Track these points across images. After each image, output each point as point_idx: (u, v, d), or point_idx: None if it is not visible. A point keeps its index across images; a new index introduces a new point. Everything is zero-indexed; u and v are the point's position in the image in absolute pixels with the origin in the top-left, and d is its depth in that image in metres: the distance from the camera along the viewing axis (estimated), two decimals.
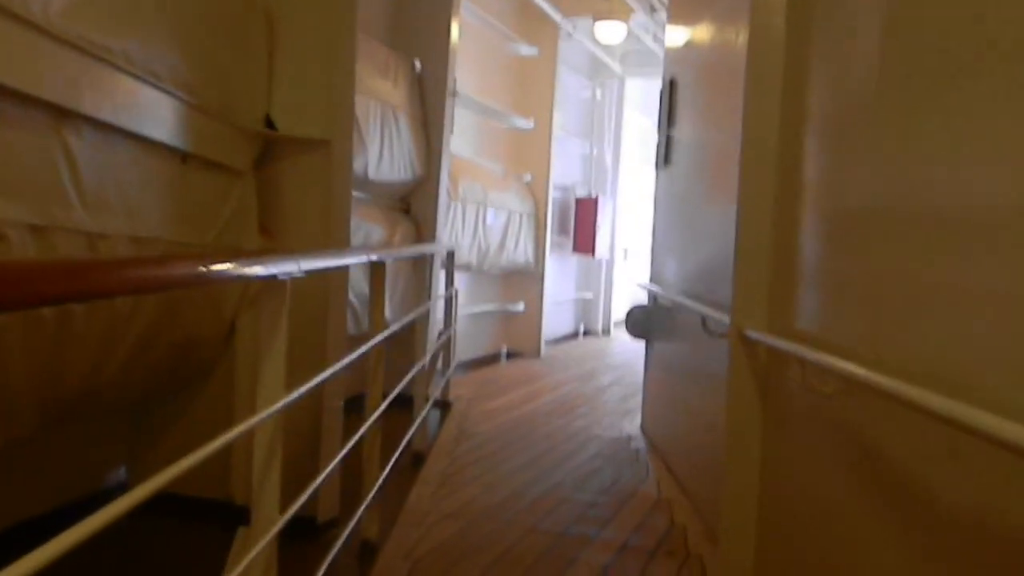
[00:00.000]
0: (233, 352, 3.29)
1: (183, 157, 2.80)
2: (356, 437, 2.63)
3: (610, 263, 10.44)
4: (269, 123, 3.27)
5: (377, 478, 2.99)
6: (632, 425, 5.29)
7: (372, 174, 4.91)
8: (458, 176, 6.58)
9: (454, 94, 5.90)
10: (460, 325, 6.70)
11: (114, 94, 2.34)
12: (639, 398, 6.15)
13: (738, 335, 2.77)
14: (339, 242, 3.36)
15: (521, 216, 7.79)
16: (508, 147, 8.13)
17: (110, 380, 2.55)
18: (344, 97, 3.39)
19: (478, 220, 6.91)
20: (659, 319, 4.79)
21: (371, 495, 2.90)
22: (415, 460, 4.18)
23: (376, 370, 3.08)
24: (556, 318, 9.26)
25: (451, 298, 5.47)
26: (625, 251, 10.56)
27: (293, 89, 3.30)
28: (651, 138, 12.66)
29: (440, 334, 5.65)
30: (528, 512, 3.45)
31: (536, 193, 8.21)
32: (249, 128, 3.15)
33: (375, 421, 2.95)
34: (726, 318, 3.01)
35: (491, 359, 7.80)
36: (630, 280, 11.85)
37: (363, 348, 2.77)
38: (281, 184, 3.33)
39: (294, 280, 1.95)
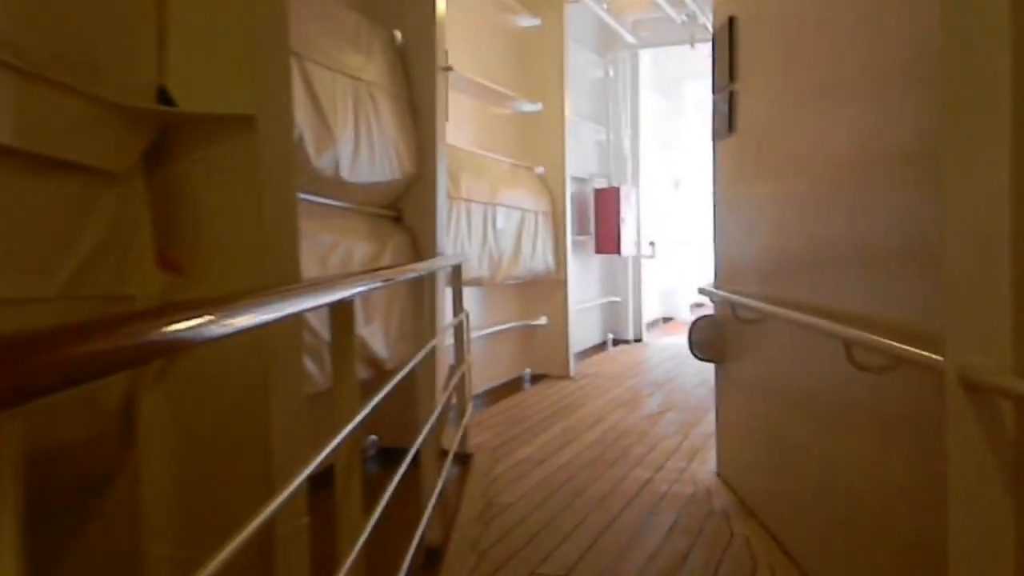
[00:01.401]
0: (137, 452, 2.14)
1: None
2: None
3: (637, 260, 9.25)
4: (164, 97, 2.12)
5: None
6: (704, 469, 4.11)
7: (347, 173, 3.75)
8: (458, 172, 5.41)
9: (446, 69, 4.73)
10: (473, 348, 5.55)
11: None
12: (703, 428, 4.97)
13: (959, 378, 1.63)
14: (284, 267, 2.20)
15: (536, 215, 6.62)
16: (514, 136, 6.96)
17: None
18: (274, 56, 2.23)
19: (486, 224, 5.74)
20: (739, 336, 3.62)
21: None
22: (428, 559, 3.01)
23: (351, 470, 1.92)
24: (581, 327, 8.09)
25: (461, 324, 4.31)
26: (652, 245, 9.37)
27: (198, 47, 2.15)
28: (666, 119, 11.47)
29: (451, 369, 4.50)
30: None
31: (551, 187, 7.03)
32: (130, 106, 2.00)
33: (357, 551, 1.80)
34: (886, 343, 1.89)
35: (513, 386, 6.63)
36: (659, 278, 10.68)
37: (336, 442, 1.63)
38: (191, 189, 2.17)
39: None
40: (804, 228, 2.89)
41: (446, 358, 4.59)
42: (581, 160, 8.27)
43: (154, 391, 2.07)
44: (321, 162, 3.48)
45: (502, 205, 5.96)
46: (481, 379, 6.14)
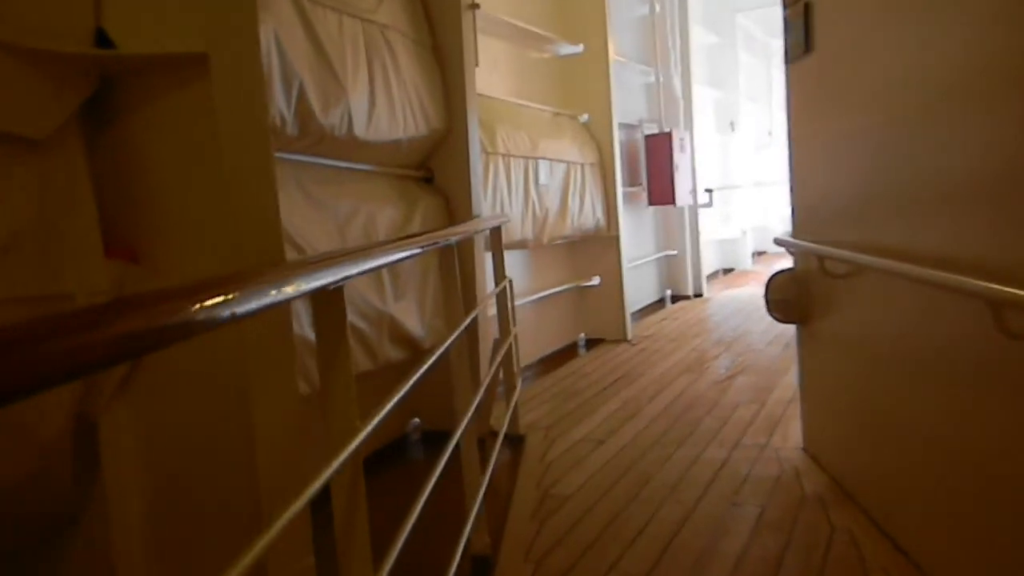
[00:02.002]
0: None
1: None
2: None
3: (694, 210, 8.64)
4: (102, 39, 1.68)
5: None
6: (788, 445, 3.61)
7: (363, 131, 3.29)
8: (493, 124, 4.91)
9: (473, 7, 4.21)
10: (521, 315, 5.11)
11: None
12: (780, 393, 4.46)
13: None
14: (265, 245, 1.76)
15: (583, 167, 6.08)
16: (554, 82, 6.40)
17: None
18: None
19: (528, 180, 5.23)
20: (827, 292, 3.08)
21: None
22: (475, 569, 2.61)
23: (354, 494, 1.49)
24: (637, 285, 7.57)
25: (504, 293, 3.86)
26: (709, 193, 8.74)
27: None
28: (719, 56, 10.70)
29: (496, 342, 4.06)
30: None
31: (597, 136, 6.47)
32: (53, 51, 1.57)
33: None
34: None
35: (566, 353, 6.17)
36: (717, 227, 10.04)
37: (336, 463, 1.21)
38: (142, 154, 1.73)
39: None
40: (910, 159, 2.33)
41: (491, 330, 4.15)
42: (629, 105, 7.66)
43: (114, 409, 1.66)
44: (330, 118, 3.03)
45: (544, 158, 5.44)
46: (531, 348, 5.71)
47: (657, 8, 8.17)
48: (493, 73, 5.44)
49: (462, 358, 2.60)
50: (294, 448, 1.70)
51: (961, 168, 2.02)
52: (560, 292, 6.15)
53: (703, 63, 9.87)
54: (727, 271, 10.88)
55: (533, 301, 5.68)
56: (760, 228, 12.04)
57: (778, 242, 3.46)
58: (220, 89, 1.60)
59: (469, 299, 4.07)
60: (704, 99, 9.72)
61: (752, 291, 8.61)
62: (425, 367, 1.84)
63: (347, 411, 1.39)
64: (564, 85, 6.46)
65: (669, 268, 8.69)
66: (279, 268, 1.20)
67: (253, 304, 0.96)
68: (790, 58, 3.29)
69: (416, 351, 3.78)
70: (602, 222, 6.37)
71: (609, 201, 6.46)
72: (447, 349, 2.34)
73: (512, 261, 5.48)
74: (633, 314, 7.29)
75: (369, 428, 1.41)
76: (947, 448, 2.20)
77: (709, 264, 9.67)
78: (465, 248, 4.02)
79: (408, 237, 3.25)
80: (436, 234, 3.04)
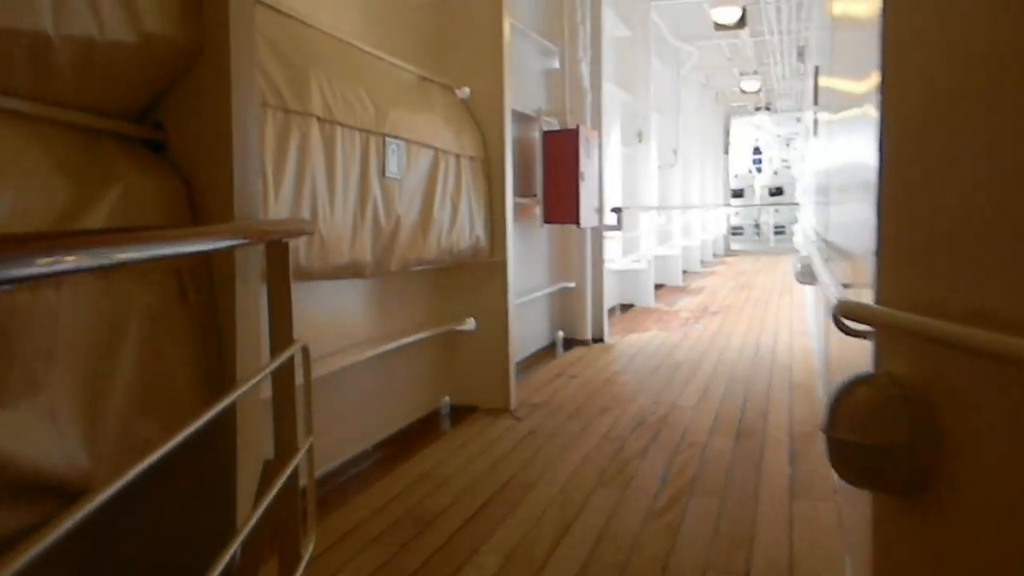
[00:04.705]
0: None
1: None
2: None
3: (598, 234, 6.89)
4: None
5: None
6: None
7: None
8: (307, 67, 2.90)
9: None
10: (352, 379, 3.15)
11: None
12: (771, 544, 2.67)
13: None
14: None
15: (458, 161, 4.16)
16: (424, 37, 4.46)
17: None
18: None
19: (367, 167, 3.25)
20: (975, 426, 1.27)
21: None
22: None
23: None
24: (524, 327, 5.74)
25: (288, 369, 1.89)
26: (618, 214, 7.02)
27: None
28: (629, 54, 9.08)
29: (266, 467, 2.11)
30: None
31: (482, 121, 4.57)
32: None
33: None
34: None
35: (424, 430, 4.20)
36: (618, 256, 8.38)
37: None
38: None
39: None
40: None
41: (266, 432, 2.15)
42: (525, 89, 5.83)
43: None
44: None
45: (398, 137, 3.48)
46: (370, 424, 3.74)
47: None
48: (329, 6, 3.46)
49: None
50: None
51: None
52: (416, 342, 4.16)
53: (612, 59, 8.21)
54: (625, 307, 9.24)
55: (373, 357, 3.69)
56: (662, 258, 10.55)
57: (847, 326, 1.61)
58: None
59: (212, 379, 2.10)
60: (612, 100, 8.05)
61: (665, 339, 6.93)
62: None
63: None
64: (440, 44, 4.53)
65: (563, 305, 6.90)
66: None
67: None
68: None
69: (68, 491, 1.71)
70: (483, 242, 4.46)
71: (495, 213, 4.57)
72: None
73: (335, 299, 3.49)
74: (518, 363, 5.44)
75: None
76: None
77: (608, 298, 7.96)
78: (208, 275, 2.05)
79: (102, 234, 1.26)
80: (163, 235, 1.07)
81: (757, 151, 28.22)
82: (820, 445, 3.74)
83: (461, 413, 4.55)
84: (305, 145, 2.83)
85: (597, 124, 6.70)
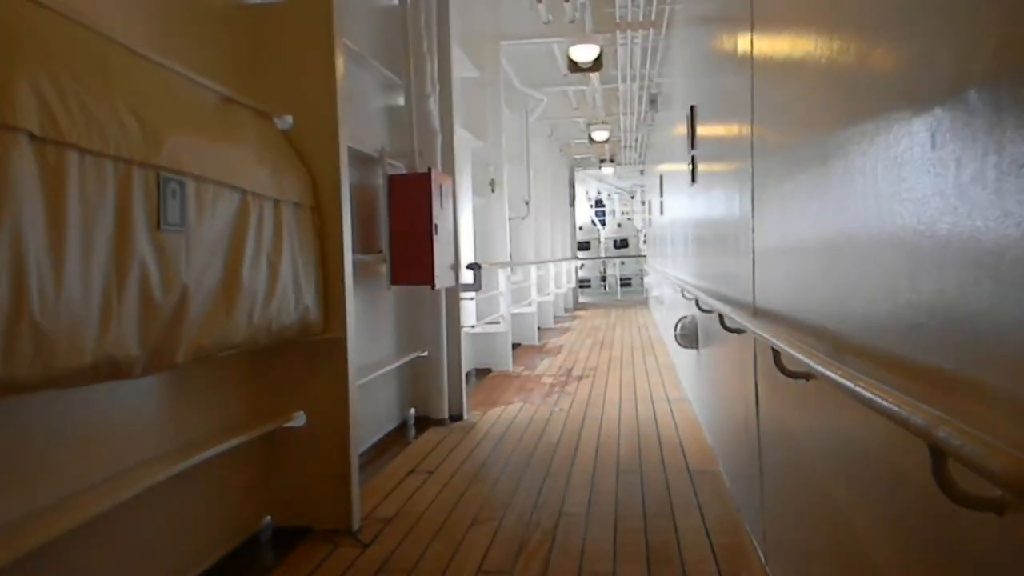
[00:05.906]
0: None
1: None
2: None
3: (454, 294, 5.99)
4: None
5: None
6: None
7: None
8: (9, 57, 1.83)
9: None
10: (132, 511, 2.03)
11: None
12: None
13: None
14: None
15: (276, 208, 3.14)
16: (236, 52, 3.43)
17: None
18: None
19: (131, 214, 2.18)
20: None
21: None
22: None
23: None
24: (367, 407, 4.72)
25: None
26: (476, 272, 6.15)
27: None
28: (478, 95, 8.36)
29: None
30: None
31: (311, 160, 3.58)
32: None
33: None
34: None
35: (238, 566, 3.08)
36: (471, 316, 7.53)
37: None
38: None
39: None
40: None
41: None
42: (366, 125, 4.91)
43: None
44: None
45: (180, 173, 2.43)
46: (155, 566, 2.58)
47: (409, 0, 5.55)
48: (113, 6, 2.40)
49: None
50: None
51: None
52: (227, 451, 3.04)
53: (460, 101, 7.44)
54: (481, 372, 8.36)
55: (162, 482, 2.55)
56: (518, 315, 9.82)
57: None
58: None
59: None
60: (463, 146, 7.26)
61: (532, 414, 6.07)
62: None
63: None
64: (254, 60, 3.52)
65: (415, 377, 5.91)
66: None
67: None
68: None
69: None
70: (314, 314, 3.43)
71: (329, 276, 3.56)
72: None
73: (102, 405, 2.37)
74: (362, 454, 4.40)
75: None
76: None
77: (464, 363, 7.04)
78: None
79: None
80: None
81: (600, 203, 28.61)
82: (752, 563, 2.95)
83: (287, 539, 3.44)
84: (18, 179, 1.75)
85: (450, 169, 5.85)
